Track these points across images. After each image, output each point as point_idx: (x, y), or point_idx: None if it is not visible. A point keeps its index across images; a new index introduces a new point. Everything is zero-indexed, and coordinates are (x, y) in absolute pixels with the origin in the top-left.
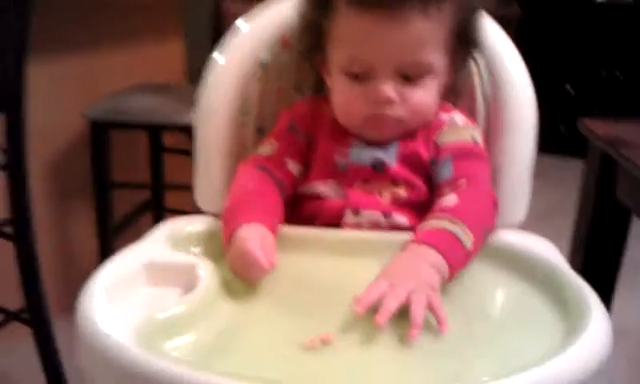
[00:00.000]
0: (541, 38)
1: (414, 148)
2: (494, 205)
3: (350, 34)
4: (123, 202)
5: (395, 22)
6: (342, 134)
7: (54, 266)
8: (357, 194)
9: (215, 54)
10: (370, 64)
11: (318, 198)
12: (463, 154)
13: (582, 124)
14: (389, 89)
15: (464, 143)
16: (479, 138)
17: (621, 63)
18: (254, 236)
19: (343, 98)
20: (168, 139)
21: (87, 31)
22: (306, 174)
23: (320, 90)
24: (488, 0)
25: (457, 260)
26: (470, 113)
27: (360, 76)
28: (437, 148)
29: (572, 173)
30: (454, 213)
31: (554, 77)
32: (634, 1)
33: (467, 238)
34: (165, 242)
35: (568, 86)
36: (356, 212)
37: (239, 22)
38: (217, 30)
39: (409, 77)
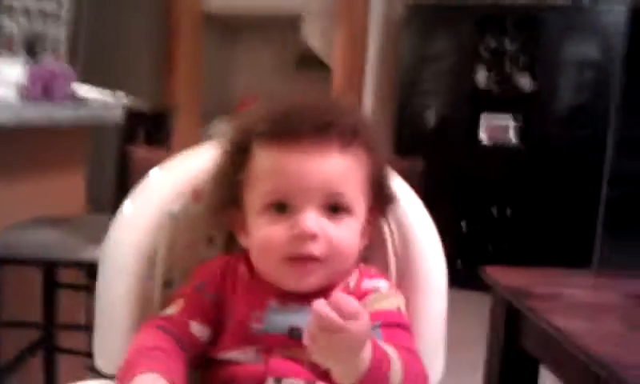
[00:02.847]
0: (440, 183)
1: None
2: (426, 380)
3: (269, 170)
4: (14, 341)
5: (316, 154)
6: (257, 295)
7: None
8: (278, 361)
9: (123, 206)
10: (291, 196)
11: (235, 363)
12: (391, 323)
13: (485, 273)
14: (312, 221)
15: (391, 312)
16: (403, 307)
17: (510, 202)
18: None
19: (262, 236)
20: (64, 274)
21: None
22: (216, 337)
23: (231, 245)
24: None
25: (376, 378)
26: (384, 268)
27: (280, 212)
28: None
29: (471, 305)
30: (399, 352)
31: (449, 215)
32: (514, 143)
33: (396, 378)
34: None
35: (463, 224)
36: (278, 380)
37: (151, 173)
38: (122, 168)
39: (332, 211)
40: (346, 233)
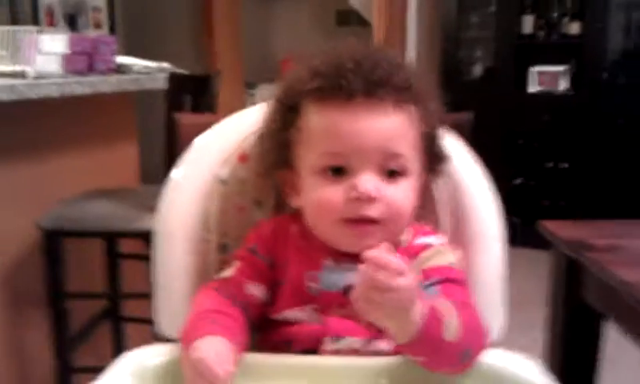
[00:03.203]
0: (489, 138)
1: None
2: (486, 337)
3: (324, 131)
4: (80, 312)
5: (371, 113)
6: (311, 255)
7: (7, 381)
8: (335, 320)
9: (173, 172)
10: (348, 158)
11: (293, 323)
12: (447, 279)
13: (542, 228)
14: (370, 183)
15: (445, 268)
16: (457, 262)
17: (564, 154)
18: (209, 346)
19: (317, 198)
20: (125, 244)
21: (37, 137)
22: (272, 297)
23: (280, 207)
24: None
25: (428, 337)
26: (435, 224)
27: (336, 174)
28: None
29: (528, 263)
30: (455, 307)
31: (502, 171)
32: (565, 91)
33: (452, 332)
34: (128, 380)
35: (516, 179)
36: (336, 339)
37: (197, 139)
38: (170, 136)
39: (387, 173)
40: (403, 193)
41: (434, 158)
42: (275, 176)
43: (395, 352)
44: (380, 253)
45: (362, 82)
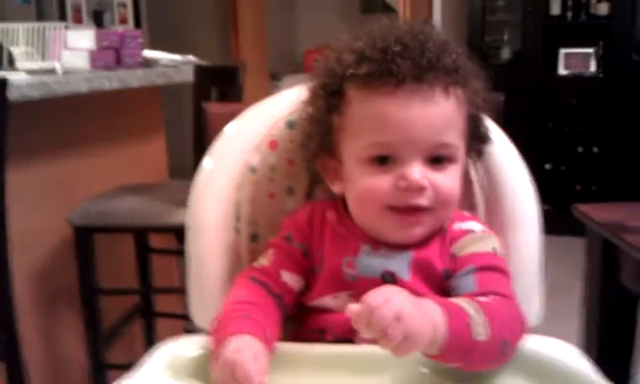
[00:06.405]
0: (518, 122)
1: (428, 257)
2: (524, 326)
3: (372, 119)
4: (112, 307)
5: (420, 100)
6: (348, 241)
7: (43, 379)
8: None
9: (204, 161)
10: (396, 147)
11: (328, 310)
12: (486, 266)
13: (577, 210)
14: (419, 173)
15: (485, 254)
16: (499, 249)
17: (595, 137)
18: (246, 348)
19: (363, 186)
20: (155, 239)
21: (67, 134)
22: (308, 284)
23: (311, 195)
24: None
25: (457, 344)
26: (470, 207)
27: (383, 163)
28: (454, 259)
29: (560, 251)
30: (480, 303)
31: (531, 156)
32: (594, 73)
33: (481, 331)
34: (164, 373)
35: (546, 165)
36: None
37: (227, 127)
38: (198, 128)
39: (435, 162)
40: (451, 181)
41: (477, 140)
42: (315, 162)
43: None
44: (354, 314)
45: (410, 66)
